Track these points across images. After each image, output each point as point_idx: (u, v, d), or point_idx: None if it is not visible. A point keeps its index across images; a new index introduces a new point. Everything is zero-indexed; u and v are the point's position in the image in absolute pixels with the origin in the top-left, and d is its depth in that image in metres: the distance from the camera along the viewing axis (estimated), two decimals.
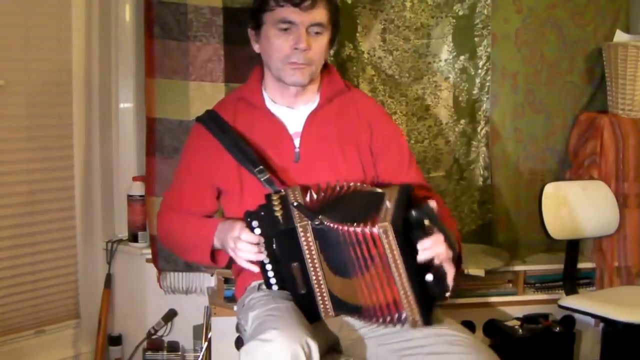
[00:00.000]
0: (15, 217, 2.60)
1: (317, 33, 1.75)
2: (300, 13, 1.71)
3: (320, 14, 1.74)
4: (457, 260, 1.64)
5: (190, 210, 1.87)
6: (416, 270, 1.52)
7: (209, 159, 1.82)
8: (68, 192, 2.76)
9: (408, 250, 1.51)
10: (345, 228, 1.52)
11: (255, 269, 1.68)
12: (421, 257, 1.53)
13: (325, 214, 1.56)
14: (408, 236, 1.51)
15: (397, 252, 1.50)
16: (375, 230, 1.49)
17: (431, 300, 1.57)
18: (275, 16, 1.74)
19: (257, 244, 1.63)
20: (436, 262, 1.54)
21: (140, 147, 2.77)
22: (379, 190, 1.65)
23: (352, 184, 1.68)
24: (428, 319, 1.56)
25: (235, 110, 1.85)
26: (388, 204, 1.55)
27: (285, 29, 1.73)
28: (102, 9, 2.76)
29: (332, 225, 1.54)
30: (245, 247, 1.64)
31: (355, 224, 1.52)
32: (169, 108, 2.60)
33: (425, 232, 1.53)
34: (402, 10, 2.85)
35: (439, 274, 1.54)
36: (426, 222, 1.53)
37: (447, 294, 1.57)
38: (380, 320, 1.60)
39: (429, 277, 1.53)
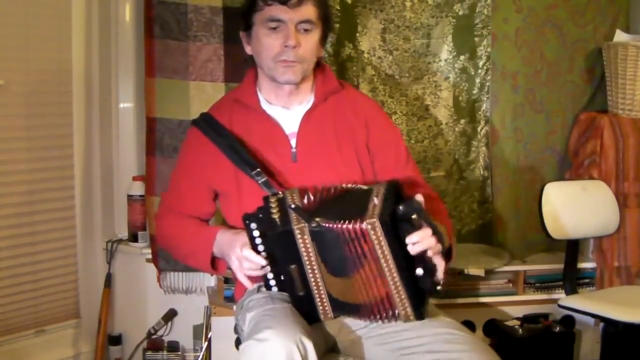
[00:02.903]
0: (15, 217, 2.60)
1: (306, 30, 1.76)
2: (288, 11, 1.72)
3: (308, 11, 1.74)
4: (448, 253, 1.66)
5: (188, 213, 1.87)
6: (406, 264, 1.53)
7: (206, 161, 1.83)
8: (68, 192, 2.76)
9: (396, 245, 1.52)
10: (338, 226, 1.53)
11: (249, 284, 1.69)
12: (411, 251, 1.53)
13: (321, 214, 1.57)
14: (396, 231, 1.53)
15: (385, 247, 1.51)
16: (364, 226, 1.51)
17: (422, 293, 1.58)
18: (264, 15, 1.74)
19: (264, 261, 1.63)
20: (426, 255, 1.55)
21: (140, 147, 2.77)
22: (366, 187, 1.65)
23: (344, 184, 1.68)
24: (420, 313, 1.57)
25: (230, 112, 1.85)
26: (376, 200, 1.56)
27: (275, 28, 1.74)
28: (102, 9, 2.76)
29: (327, 225, 1.55)
30: (249, 265, 1.65)
31: (346, 221, 1.53)
32: (169, 108, 2.60)
33: (414, 227, 1.54)
34: (402, 10, 2.85)
35: (429, 267, 1.56)
36: (414, 217, 1.53)
37: (439, 287, 1.58)
38: (377, 317, 1.61)
39: (419, 271, 1.55)
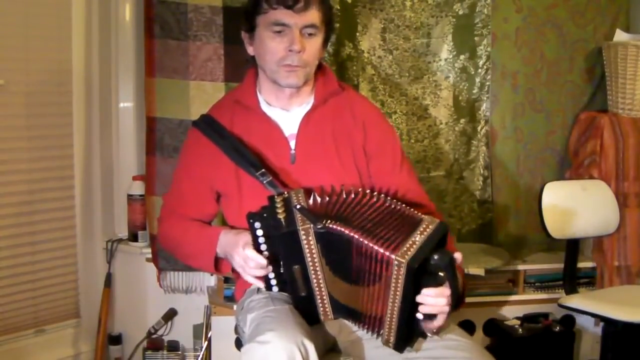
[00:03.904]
0: (15, 217, 2.60)
1: (310, 34, 1.75)
2: (293, 15, 1.71)
3: (313, 16, 1.73)
4: (458, 303, 1.64)
5: (191, 214, 1.87)
6: (410, 304, 1.53)
7: (207, 162, 1.82)
8: (68, 192, 2.76)
9: (411, 289, 1.51)
10: (365, 241, 1.52)
11: (261, 284, 1.68)
12: (420, 300, 1.53)
13: (340, 219, 1.55)
14: (418, 277, 1.51)
15: (400, 286, 1.50)
16: (392, 257, 1.49)
17: (412, 333, 1.59)
18: (269, 19, 1.73)
19: (265, 261, 1.63)
20: (432, 310, 1.54)
21: (140, 147, 2.77)
22: (419, 215, 1.62)
23: (387, 198, 1.65)
24: (400, 347, 1.58)
25: (231, 113, 1.85)
26: (417, 238, 1.53)
27: (279, 32, 1.73)
28: (102, 9, 2.76)
29: (345, 231, 1.53)
30: (252, 265, 1.64)
31: (376, 240, 1.51)
32: (169, 107, 2.60)
33: (436, 281, 1.53)
34: (402, 9, 2.85)
35: (430, 316, 1.56)
36: (441, 273, 1.52)
37: (430, 335, 1.59)
38: (365, 327, 1.62)
39: (420, 315, 1.55)
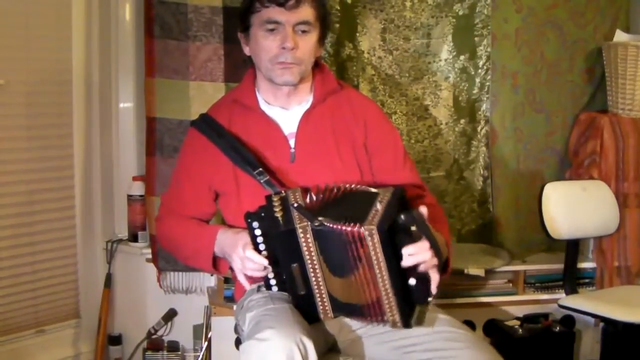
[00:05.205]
0: (15, 217, 2.60)
1: (304, 31, 1.76)
2: (285, 12, 1.72)
3: (306, 12, 1.75)
4: (445, 265, 1.65)
5: (189, 213, 1.87)
6: (399, 273, 1.54)
7: (206, 162, 1.83)
8: (68, 192, 2.76)
9: (391, 254, 1.52)
10: (338, 227, 1.53)
11: (248, 286, 1.70)
12: (405, 262, 1.54)
13: (324, 214, 1.57)
14: (393, 240, 1.52)
15: (380, 255, 1.51)
16: (362, 230, 1.50)
17: (412, 303, 1.58)
18: (262, 17, 1.74)
19: (265, 261, 1.64)
20: (420, 269, 1.55)
21: (140, 147, 2.77)
22: (373, 190, 1.65)
23: (347, 185, 1.67)
24: (407, 322, 1.58)
25: (230, 113, 1.86)
26: (379, 206, 1.56)
27: (272, 29, 1.74)
28: (102, 9, 2.76)
29: (329, 224, 1.55)
30: (251, 266, 1.65)
31: (347, 223, 1.53)
32: (169, 108, 2.60)
33: (412, 238, 1.54)
34: (402, 9, 2.85)
35: (423, 279, 1.56)
36: (413, 228, 1.53)
37: (430, 299, 1.59)
38: (368, 319, 1.62)
39: (412, 281, 1.55)
